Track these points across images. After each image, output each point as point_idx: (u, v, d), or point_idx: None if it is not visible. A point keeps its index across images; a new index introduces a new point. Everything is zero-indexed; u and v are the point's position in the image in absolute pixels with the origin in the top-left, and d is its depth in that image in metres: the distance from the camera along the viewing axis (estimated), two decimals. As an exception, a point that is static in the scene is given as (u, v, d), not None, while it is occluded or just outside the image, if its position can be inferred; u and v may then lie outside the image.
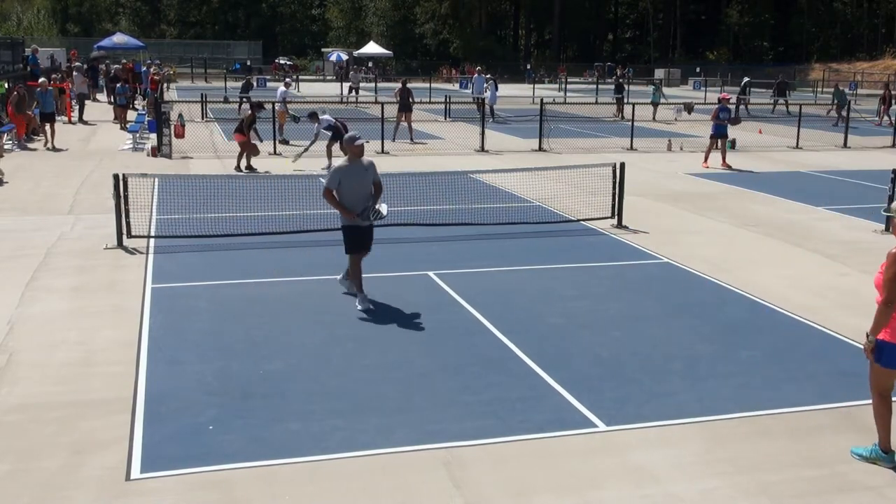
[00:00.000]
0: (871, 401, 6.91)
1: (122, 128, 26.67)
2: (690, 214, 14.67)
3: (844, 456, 5.99)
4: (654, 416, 6.54)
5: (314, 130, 19.54)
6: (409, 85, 25.82)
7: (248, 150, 18.49)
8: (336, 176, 8.98)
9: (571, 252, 11.85)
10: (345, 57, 66.69)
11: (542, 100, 25.83)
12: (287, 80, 30.84)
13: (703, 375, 7.41)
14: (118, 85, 28.26)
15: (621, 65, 76.68)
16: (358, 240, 9.13)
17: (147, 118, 24.33)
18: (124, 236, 11.70)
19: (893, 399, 5.91)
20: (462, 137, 24.99)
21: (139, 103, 33.37)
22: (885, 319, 5.78)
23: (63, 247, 11.64)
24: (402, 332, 8.42)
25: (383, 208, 9.08)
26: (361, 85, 44.48)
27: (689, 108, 31.75)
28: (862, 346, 5.90)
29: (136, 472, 5.60)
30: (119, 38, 59.66)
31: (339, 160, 9.32)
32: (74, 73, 33.06)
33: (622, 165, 13.55)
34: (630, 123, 24.60)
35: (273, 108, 22.65)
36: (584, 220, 13.77)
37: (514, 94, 41.46)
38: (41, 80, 24.21)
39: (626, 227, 13.30)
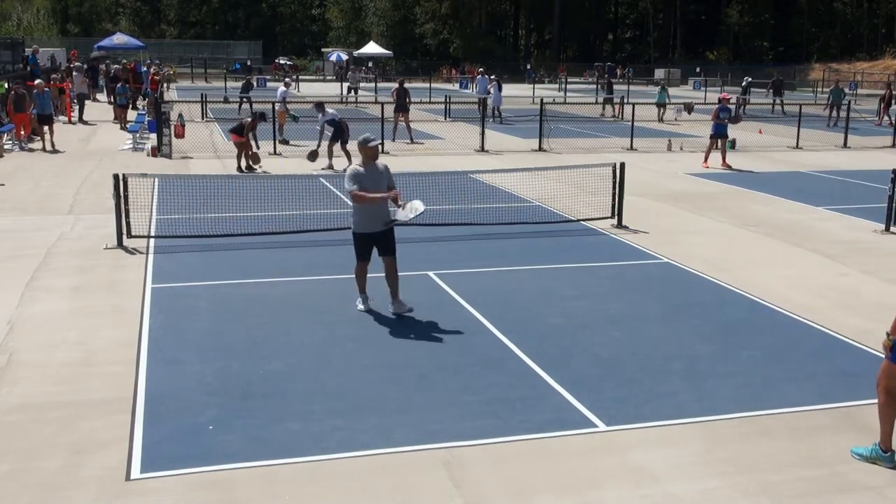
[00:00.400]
0: (872, 400, 6.91)
1: (122, 128, 26.67)
2: (690, 214, 14.67)
3: (844, 456, 5.99)
4: (654, 416, 6.54)
5: (320, 121, 19.50)
6: (409, 85, 25.81)
7: (247, 150, 18.49)
8: (356, 179, 8.56)
9: (571, 252, 11.85)
10: (345, 57, 66.69)
11: (542, 100, 25.83)
12: (287, 80, 30.83)
13: (703, 375, 7.41)
14: (118, 85, 28.25)
15: (621, 65, 76.80)
16: (368, 247, 8.80)
17: (147, 118, 24.33)
18: (124, 236, 11.70)
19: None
20: (462, 137, 24.99)
21: (140, 103, 33.35)
22: None
23: (63, 247, 11.64)
24: (402, 332, 8.42)
25: (418, 204, 8.74)
26: (362, 85, 44.48)
27: (689, 108, 31.73)
28: (882, 344, 5.89)
29: (136, 472, 5.60)
30: (119, 38, 59.72)
31: (354, 163, 8.99)
32: (74, 73, 33.06)
33: (622, 165, 13.56)
34: (630, 123, 24.59)
35: (273, 108, 22.68)
36: (584, 220, 13.77)
37: (514, 93, 41.43)
38: (38, 80, 23.77)
39: (626, 227, 13.30)
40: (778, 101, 37.30)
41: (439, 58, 79.41)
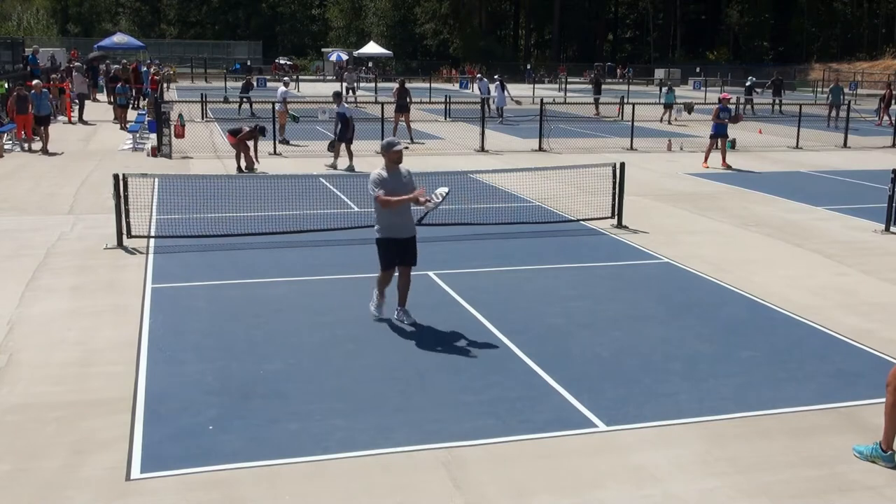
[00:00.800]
0: (872, 400, 6.92)
1: (122, 128, 26.68)
2: (690, 214, 14.67)
3: (844, 456, 5.99)
4: (654, 416, 6.54)
5: (332, 112, 19.40)
6: (409, 85, 25.77)
7: (245, 151, 18.48)
8: (381, 184, 8.17)
9: (571, 252, 11.85)
10: (345, 57, 66.72)
11: (542, 100, 25.83)
12: (285, 78, 30.81)
13: (703, 375, 7.41)
14: (118, 85, 28.25)
15: (621, 65, 76.82)
16: (394, 254, 8.39)
17: (147, 118, 24.33)
18: (124, 236, 11.70)
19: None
20: (462, 137, 24.99)
21: (141, 103, 33.36)
22: None
23: (63, 247, 11.64)
24: (402, 332, 8.42)
25: (443, 189, 8.53)
26: (362, 85, 44.47)
27: (689, 108, 31.73)
28: None
29: (136, 472, 5.60)
30: (119, 38, 59.72)
31: (378, 169, 8.42)
32: (74, 73, 33.05)
33: (622, 165, 13.56)
34: (630, 123, 24.59)
35: (273, 108, 22.68)
36: (584, 220, 13.77)
37: (514, 94, 41.40)
38: (35, 81, 23.46)
39: (626, 227, 13.30)
40: (777, 101, 37.29)
41: (439, 58, 79.44)
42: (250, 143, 18.54)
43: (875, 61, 69.41)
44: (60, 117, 29.98)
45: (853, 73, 62.80)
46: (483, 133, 23.23)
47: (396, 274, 8.62)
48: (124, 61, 42.40)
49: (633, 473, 5.71)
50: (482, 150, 22.89)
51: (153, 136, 21.84)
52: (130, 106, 30.86)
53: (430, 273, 10.47)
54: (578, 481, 5.60)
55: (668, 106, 32.19)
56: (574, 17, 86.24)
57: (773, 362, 7.76)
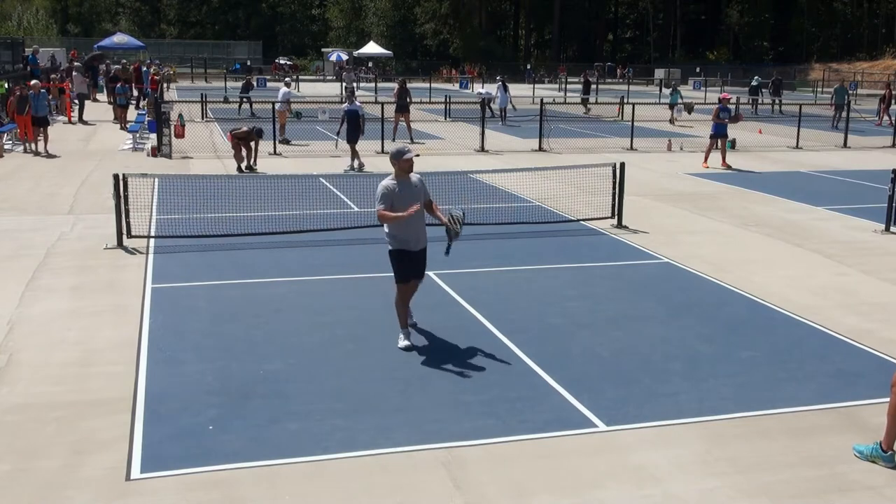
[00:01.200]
0: (871, 400, 6.92)
1: (122, 128, 26.68)
2: (690, 214, 14.67)
3: (844, 456, 5.99)
4: (654, 416, 6.54)
5: (343, 109, 19.34)
6: (409, 85, 25.76)
7: (247, 149, 18.50)
8: (387, 198, 7.68)
9: (571, 252, 11.85)
10: (345, 57, 66.72)
11: (542, 100, 25.84)
12: (287, 79, 30.82)
13: (703, 375, 7.41)
14: (118, 85, 28.25)
15: (621, 65, 76.84)
16: (408, 266, 7.97)
17: (147, 118, 24.33)
18: (124, 236, 11.70)
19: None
20: (462, 137, 24.99)
21: (141, 103, 33.35)
22: None
23: (63, 247, 11.64)
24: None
25: (457, 212, 8.09)
26: (362, 85, 44.47)
27: (689, 108, 31.72)
28: None
29: (136, 472, 5.60)
30: (119, 38, 59.74)
31: (387, 179, 7.90)
32: (74, 73, 33.06)
33: (622, 165, 13.56)
34: (630, 123, 24.59)
35: (273, 108, 22.68)
36: (584, 220, 13.77)
37: (514, 94, 41.40)
38: (33, 81, 23.01)
39: (626, 227, 13.30)
40: (777, 101, 37.29)
41: (439, 58, 79.44)
42: (252, 145, 18.53)
43: (875, 61, 69.42)
44: (60, 117, 29.99)
45: (853, 73, 62.81)
46: (483, 133, 23.24)
47: None
48: (124, 61, 42.43)
49: (633, 473, 5.71)
50: (482, 150, 22.89)
51: (153, 136, 21.84)
52: (133, 106, 30.84)
53: (431, 273, 10.42)
54: (578, 481, 5.60)
55: (673, 106, 31.91)
56: (574, 17, 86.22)
57: (773, 362, 7.76)
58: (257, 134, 18.63)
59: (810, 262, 11.49)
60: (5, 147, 21.14)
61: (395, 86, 28.91)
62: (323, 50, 77.88)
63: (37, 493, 5.34)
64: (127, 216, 11.82)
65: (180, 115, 23.40)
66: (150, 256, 11.13)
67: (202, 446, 5.95)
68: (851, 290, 10.19)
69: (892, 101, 32.77)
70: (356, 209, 14.50)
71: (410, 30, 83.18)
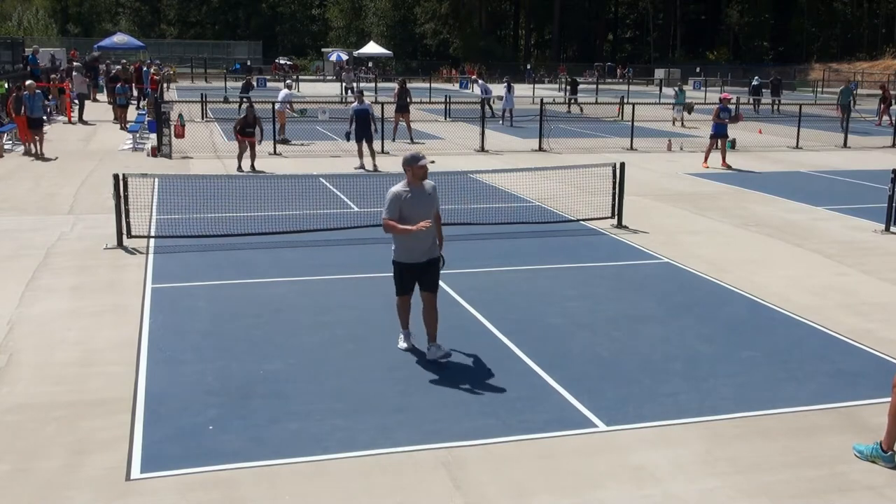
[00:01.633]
0: (871, 400, 6.92)
1: (122, 128, 26.68)
2: (690, 214, 14.67)
3: (844, 456, 5.99)
4: (654, 416, 6.54)
5: (352, 108, 19.25)
6: (409, 85, 25.76)
7: (245, 149, 18.53)
8: (395, 205, 7.29)
9: (571, 252, 11.85)
10: (345, 57, 66.72)
11: (542, 100, 25.83)
12: (288, 81, 30.83)
13: (703, 375, 7.41)
14: (118, 85, 28.25)
15: (621, 65, 76.85)
16: (409, 280, 7.60)
17: (147, 118, 24.33)
18: (124, 236, 11.70)
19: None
20: (462, 137, 25.00)
21: (141, 103, 33.36)
22: None
23: (63, 247, 11.64)
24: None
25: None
26: (362, 85, 44.47)
27: (689, 108, 31.71)
28: None
29: (136, 472, 5.60)
30: (119, 38, 59.76)
31: (398, 185, 7.48)
32: (74, 73, 33.07)
33: (622, 165, 13.56)
34: (630, 123, 24.58)
35: (273, 108, 22.68)
36: (584, 220, 13.77)
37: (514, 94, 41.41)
38: (28, 82, 22.33)
39: (626, 227, 13.30)
40: (776, 100, 37.28)
41: (439, 58, 79.44)
42: (254, 140, 18.52)
43: (875, 61, 69.43)
44: (60, 117, 30.01)
45: (853, 73, 62.82)
46: (483, 133, 23.24)
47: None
48: (124, 61, 42.41)
49: (633, 473, 5.71)
50: (482, 150, 22.89)
51: (153, 136, 21.84)
52: (134, 106, 30.83)
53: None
54: (578, 481, 5.60)
55: (676, 107, 31.60)
56: (574, 17, 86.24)
57: (773, 362, 7.76)
58: (249, 109, 18.60)
59: (810, 262, 11.49)
60: (5, 147, 21.12)
61: (395, 86, 28.91)
62: (323, 50, 77.89)
63: (37, 493, 5.35)
64: (127, 216, 11.82)
65: (180, 115, 23.39)
66: (150, 256, 11.13)
67: (202, 446, 5.95)
68: (851, 290, 10.19)
69: (892, 102, 32.69)
70: (356, 209, 14.50)
71: (410, 30, 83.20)
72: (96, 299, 9.32)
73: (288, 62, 69.35)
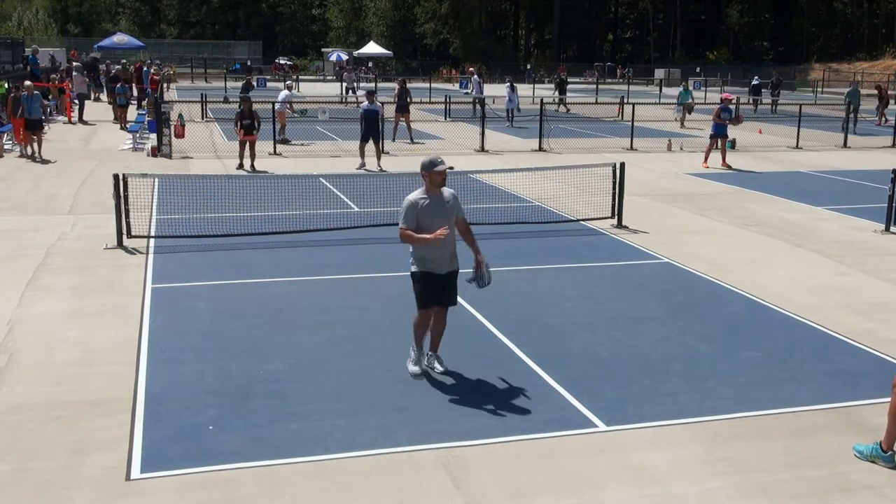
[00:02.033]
0: (871, 400, 6.92)
1: (122, 128, 26.67)
2: (690, 214, 14.67)
3: (844, 456, 5.99)
4: (654, 416, 6.54)
5: (363, 108, 19.17)
6: (409, 85, 25.76)
7: (245, 147, 18.56)
8: (412, 213, 6.91)
9: (571, 252, 11.85)
10: (345, 57, 66.72)
11: (542, 100, 25.83)
12: (289, 82, 30.83)
13: (703, 375, 7.41)
14: (118, 85, 28.25)
15: (621, 65, 76.87)
16: (433, 291, 7.12)
17: (147, 118, 24.33)
18: (124, 236, 11.70)
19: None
20: (462, 137, 25.00)
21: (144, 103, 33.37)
22: None
23: (63, 247, 11.64)
24: (402, 332, 8.38)
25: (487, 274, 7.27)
26: (362, 84, 44.47)
27: (689, 108, 31.72)
28: None
29: (136, 472, 5.60)
30: (119, 38, 59.77)
31: (414, 192, 7.11)
32: (74, 73, 33.07)
33: (622, 165, 13.56)
34: (630, 123, 24.58)
35: (273, 108, 22.67)
36: (584, 220, 13.77)
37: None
38: (26, 83, 21.58)
39: (626, 227, 13.30)
40: (775, 100, 37.32)
41: (439, 58, 79.46)
42: (254, 139, 18.53)
43: (875, 61, 69.45)
44: (60, 117, 30.00)
45: (853, 73, 62.82)
46: (483, 133, 23.24)
47: None
48: (124, 61, 42.41)
49: (633, 473, 5.71)
50: (482, 150, 22.89)
51: (153, 136, 21.84)
52: (134, 106, 30.81)
53: (430, 273, 10.47)
54: (578, 481, 5.60)
55: (680, 105, 31.27)
56: (574, 17, 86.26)
57: (773, 362, 7.76)
58: (244, 101, 18.57)
59: (810, 262, 11.49)
60: (5, 147, 21.11)
61: (395, 86, 28.91)
62: (323, 50, 77.91)
63: (37, 493, 5.34)
64: (127, 216, 11.81)
65: (180, 115, 23.40)
66: (150, 256, 11.13)
67: (202, 446, 5.95)
68: (851, 290, 10.19)
69: (890, 101, 32.59)
70: (356, 209, 14.50)
71: (410, 30, 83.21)
72: (96, 299, 9.32)
73: (288, 62, 69.36)
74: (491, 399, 6.82)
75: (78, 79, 31.81)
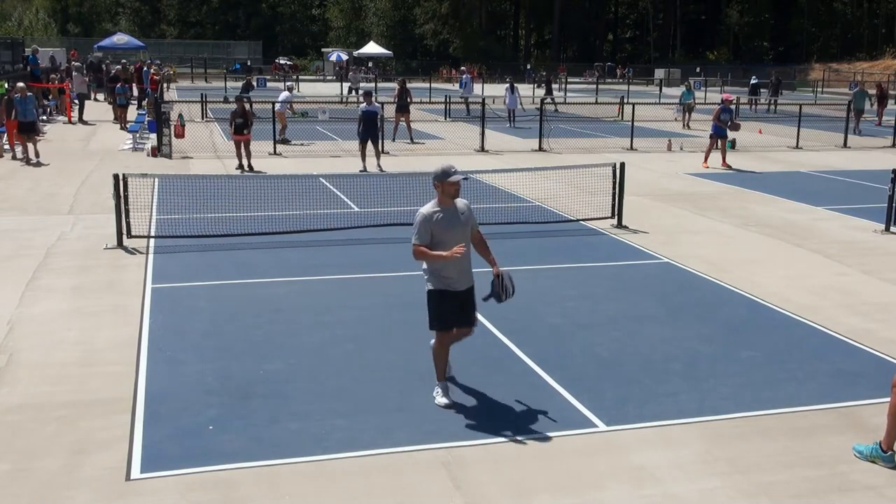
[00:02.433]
0: (871, 400, 6.92)
1: (122, 128, 26.67)
2: (690, 214, 14.67)
3: (844, 456, 5.99)
4: (654, 416, 6.54)
5: (362, 109, 19.10)
6: (409, 85, 25.76)
7: (240, 147, 18.57)
8: (425, 228, 6.48)
9: (571, 252, 11.85)
10: (345, 57, 66.71)
11: (542, 100, 25.84)
12: (289, 83, 30.82)
13: (703, 375, 7.41)
14: (118, 85, 28.25)
15: (621, 65, 76.88)
16: (450, 311, 6.66)
17: (147, 118, 24.33)
18: (124, 236, 11.70)
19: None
20: (462, 137, 25.00)
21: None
22: None
23: (63, 247, 11.64)
24: (402, 332, 8.41)
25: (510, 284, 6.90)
26: (361, 85, 44.47)
27: (689, 107, 31.70)
28: None
29: (136, 472, 5.60)
30: (119, 38, 59.73)
31: (427, 205, 6.66)
32: (74, 74, 33.04)
33: (622, 165, 13.56)
34: (630, 123, 24.58)
35: (273, 108, 22.68)
36: (584, 220, 13.77)
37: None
38: (19, 84, 20.88)
39: (626, 227, 13.30)
40: (774, 100, 37.32)
41: (439, 58, 79.45)
42: (248, 138, 18.53)
43: (875, 61, 69.44)
44: (60, 117, 30.01)
45: (853, 73, 62.83)
46: (483, 133, 23.24)
47: None
48: (124, 61, 42.42)
49: (633, 473, 5.71)
50: (482, 150, 22.89)
51: (153, 136, 21.83)
52: (134, 106, 30.81)
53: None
54: (578, 481, 5.60)
55: (683, 105, 31.07)
56: (574, 17, 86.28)
57: (773, 362, 7.76)
58: (237, 100, 18.56)
59: (810, 262, 11.49)
60: (5, 148, 21.10)
61: (395, 86, 28.91)
62: (323, 50, 77.90)
63: (37, 493, 5.34)
64: (127, 216, 11.82)
65: (180, 115, 23.40)
66: (150, 256, 11.13)
67: (202, 446, 5.95)
68: (851, 290, 10.19)
69: (889, 101, 32.59)
70: (356, 209, 14.50)
71: (410, 30, 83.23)
72: (96, 299, 9.32)
73: (288, 62, 69.36)
74: (491, 399, 6.82)
75: (78, 79, 31.81)
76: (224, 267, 10.73)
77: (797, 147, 24.75)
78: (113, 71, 36.25)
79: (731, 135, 21.08)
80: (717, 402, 6.86)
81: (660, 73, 64.70)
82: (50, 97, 31.02)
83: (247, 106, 18.76)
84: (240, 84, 34.96)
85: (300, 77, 58.99)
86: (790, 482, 5.63)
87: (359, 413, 6.52)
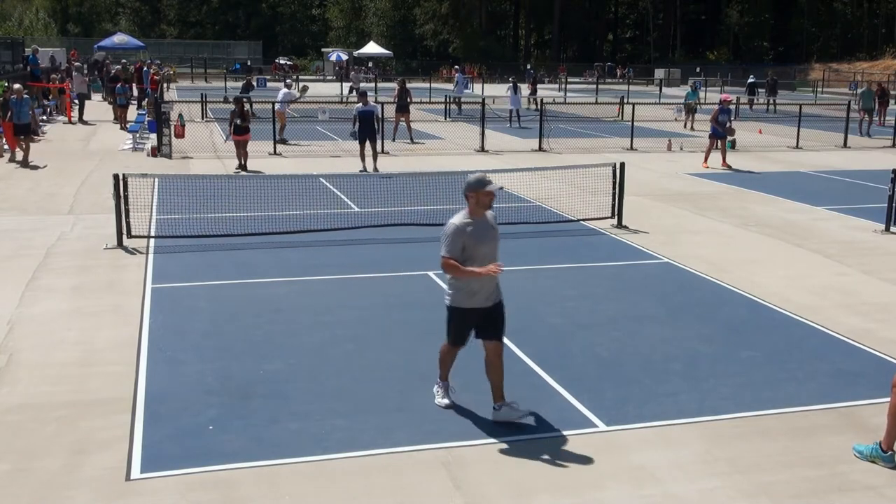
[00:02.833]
0: (871, 400, 6.92)
1: (122, 128, 26.67)
2: (690, 214, 14.67)
3: (844, 456, 5.99)
4: (654, 416, 6.54)
5: (357, 109, 19.03)
6: (409, 85, 25.76)
7: (238, 147, 18.59)
8: (457, 241, 6.10)
9: (571, 252, 11.85)
10: (345, 57, 66.71)
11: (541, 100, 25.83)
12: (287, 80, 30.80)
13: (703, 375, 7.41)
14: (118, 85, 28.25)
15: (621, 65, 76.88)
16: (470, 328, 6.41)
17: (147, 118, 24.33)
18: (124, 236, 11.70)
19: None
20: (462, 137, 25.00)
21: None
22: None
23: (63, 247, 11.64)
24: (402, 332, 8.41)
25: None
26: (362, 85, 44.47)
27: (690, 108, 31.68)
28: None
29: (136, 472, 5.60)
30: (119, 38, 59.76)
31: (457, 216, 6.26)
32: (74, 73, 33.03)
33: (622, 165, 13.56)
34: (630, 123, 24.58)
35: (273, 108, 22.68)
36: (584, 220, 13.77)
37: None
38: (16, 86, 20.48)
39: (626, 227, 13.30)
40: (772, 100, 37.35)
41: (439, 58, 79.43)
42: (247, 138, 18.54)
43: (875, 61, 69.45)
44: (60, 117, 30.01)
45: (853, 73, 62.83)
46: (483, 133, 23.24)
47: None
48: (124, 61, 42.43)
49: (633, 473, 5.71)
50: (482, 150, 22.89)
51: (153, 136, 21.83)
52: (134, 106, 30.80)
53: (430, 273, 10.46)
54: (578, 481, 5.60)
55: (685, 105, 30.87)
56: (574, 17, 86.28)
57: (773, 362, 7.76)
58: (235, 100, 18.55)
59: (810, 262, 11.49)
60: (5, 148, 21.09)
61: (395, 86, 28.90)
62: (323, 50, 77.88)
63: (37, 493, 5.34)
64: (127, 216, 11.82)
65: (180, 115, 23.39)
66: (150, 256, 11.13)
67: (202, 446, 5.95)
68: (851, 290, 10.19)
69: (889, 101, 32.64)
70: (356, 209, 14.50)
71: (410, 30, 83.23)
72: (96, 299, 9.32)
73: (288, 62, 69.35)
74: (491, 399, 6.81)
75: (78, 79, 31.80)
76: (224, 267, 10.73)
77: (797, 147, 24.75)
78: (113, 71, 36.27)
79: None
80: (717, 402, 6.86)
81: (660, 73, 64.68)
82: (50, 97, 31.02)
83: (246, 106, 18.70)
84: (240, 84, 34.96)
85: (300, 77, 58.91)
86: (790, 482, 5.64)
87: (359, 413, 6.52)
